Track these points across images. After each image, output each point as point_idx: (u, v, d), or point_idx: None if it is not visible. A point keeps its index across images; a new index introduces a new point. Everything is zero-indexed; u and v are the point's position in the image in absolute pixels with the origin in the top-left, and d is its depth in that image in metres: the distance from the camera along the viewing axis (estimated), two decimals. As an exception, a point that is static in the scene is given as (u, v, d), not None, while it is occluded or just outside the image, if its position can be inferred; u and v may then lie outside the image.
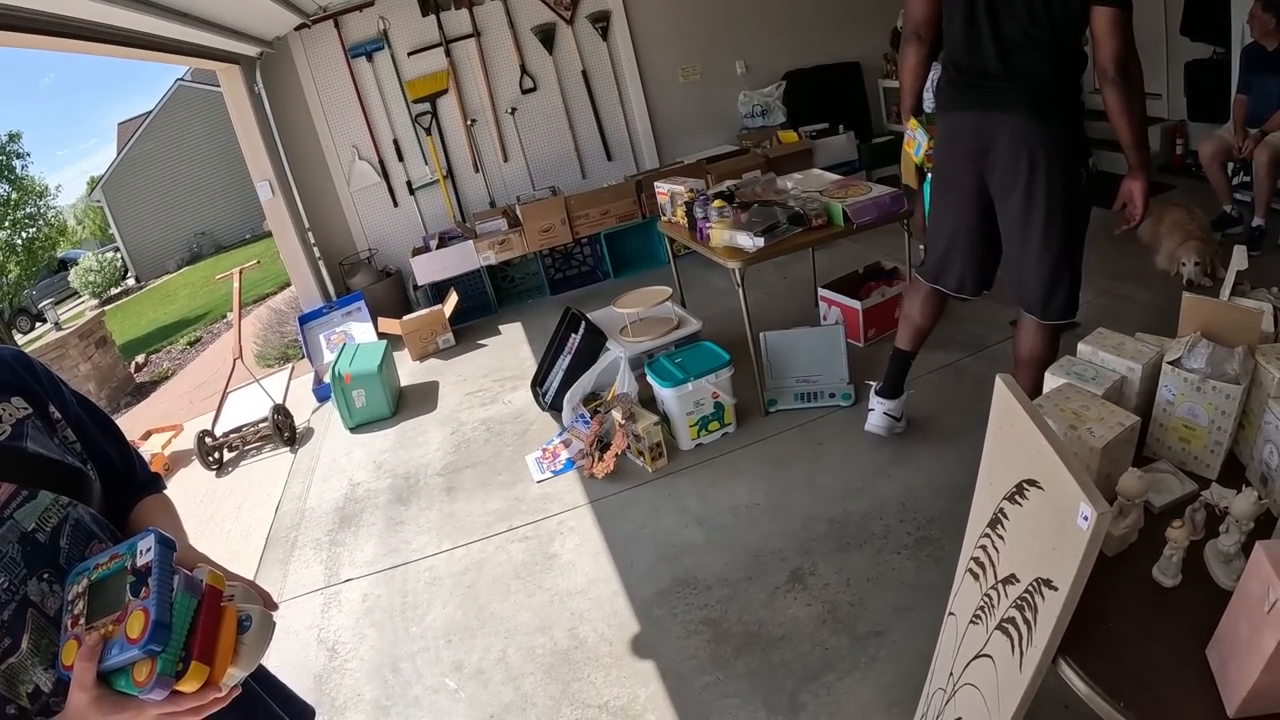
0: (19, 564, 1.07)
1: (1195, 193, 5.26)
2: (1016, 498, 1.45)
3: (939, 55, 2.98)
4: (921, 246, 3.26)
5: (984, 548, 1.58)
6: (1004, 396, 1.54)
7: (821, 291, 4.72)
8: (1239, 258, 2.05)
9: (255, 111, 6.38)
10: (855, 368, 4.00)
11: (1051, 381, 1.84)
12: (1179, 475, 1.73)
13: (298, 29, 6.52)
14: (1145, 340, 1.89)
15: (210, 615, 1.05)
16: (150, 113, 24.04)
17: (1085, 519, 1.15)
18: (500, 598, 3.19)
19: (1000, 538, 1.52)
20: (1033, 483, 1.38)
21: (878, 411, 3.44)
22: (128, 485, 1.35)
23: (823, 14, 7.60)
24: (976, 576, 1.62)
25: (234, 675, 1.05)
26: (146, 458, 5.23)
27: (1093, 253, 2.98)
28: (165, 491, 1.43)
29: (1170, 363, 1.74)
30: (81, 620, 1.02)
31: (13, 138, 18.05)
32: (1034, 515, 1.37)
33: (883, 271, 4.82)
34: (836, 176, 4.58)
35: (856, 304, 4.44)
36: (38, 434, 1.17)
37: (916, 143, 3.21)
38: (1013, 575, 1.45)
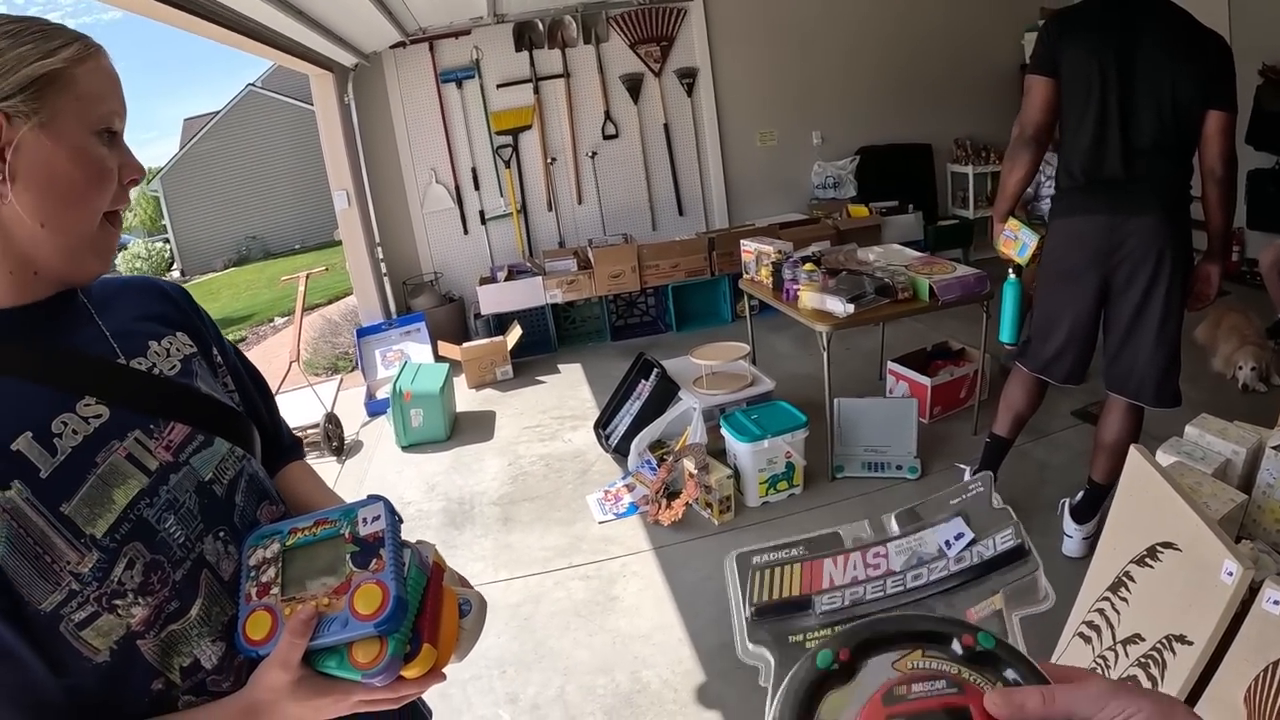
0: (196, 517, 0.97)
1: (1252, 299, 5.29)
2: (1147, 560, 1.50)
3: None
4: (1024, 339, 3.26)
5: (1101, 611, 1.62)
6: (1140, 465, 1.60)
7: (891, 365, 4.73)
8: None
9: (342, 121, 6.49)
10: (921, 443, 4.01)
11: (1164, 459, 1.91)
12: (1273, 554, 1.76)
13: (394, 46, 6.67)
14: (1244, 427, 1.98)
15: (436, 596, 0.99)
16: (218, 113, 24.51)
17: (1230, 574, 1.23)
18: (559, 634, 3.16)
19: (1123, 600, 1.56)
20: (1169, 545, 1.43)
21: (1076, 539, 3.29)
22: (274, 447, 1.25)
23: (899, 95, 7.69)
24: (1089, 640, 1.65)
25: (451, 662, 1.00)
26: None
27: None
28: (306, 460, 1.34)
29: (1274, 448, 1.80)
30: (274, 590, 0.93)
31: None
32: (1167, 576, 1.41)
33: (950, 351, 4.83)
34: (917, 253, 4.61)
35: (926, 381, 4.44)
36: (205, 374, 1.09)
37: (1021, 243, 3.16)
38: (1136, 635, 1.47)
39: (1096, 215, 2.81)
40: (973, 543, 0.89)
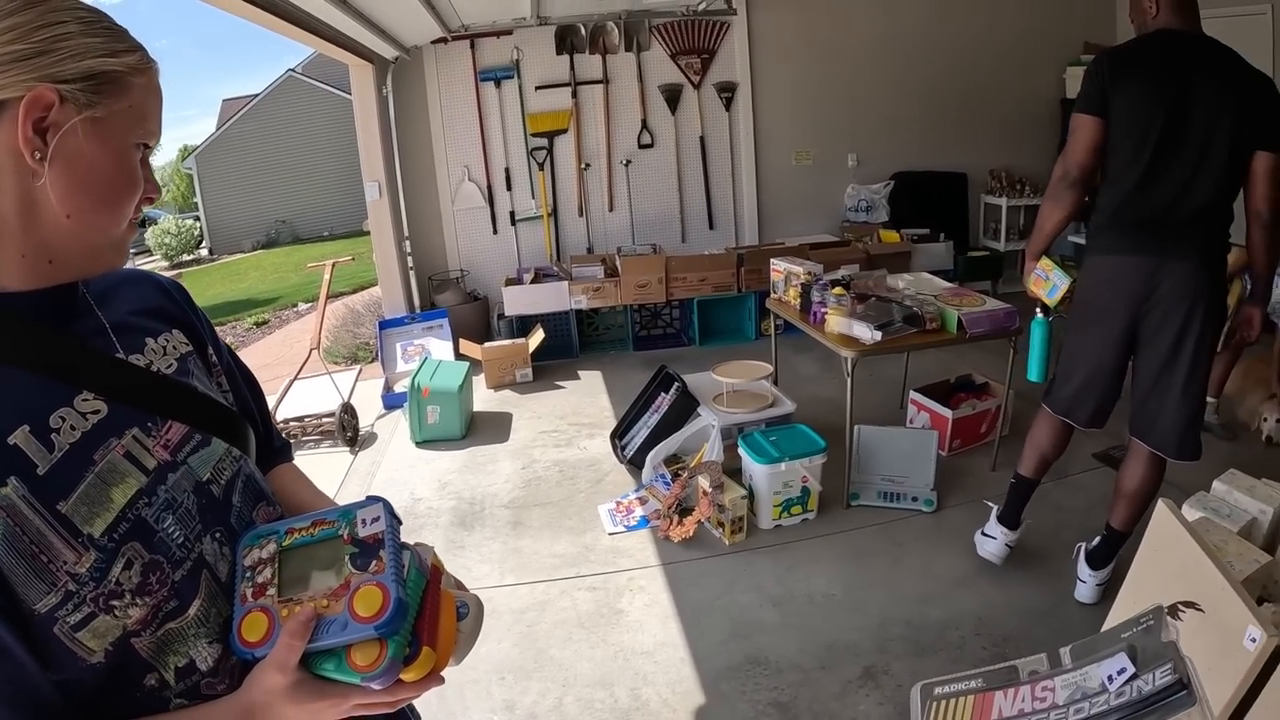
0: (194, 518, 0.95)
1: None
2: (1168, 618, 1.44)
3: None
4: (1049, 379, 3.21)
5: None
6: (1167, 520, 1.58)
7: (913, 394, 4.68)
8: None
9: (379, 113, 6.51)
10: (939, 475, 3.98)
11: (1190, 514, 1.89)
12: None
13: (435, 42, 6.70)
14: (1272, 485, 1.96)
15: (434, 598, 0.97)
16: (257, 96, 24.77)
17: (1253, 640, 1.20)
18: (561, 644, 3.13)
19: None
20: (1191, 605, 1.40)
21: (999, 541, 3.33)
22: (265, 449, 1.23)
23: (938, 123, 7.67)
24: None
25: (449, 665, 0.98)
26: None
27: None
28: (296, 462, 1.33)
29: None
30: (270, 591, 0.92)
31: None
32: (1188, 636, 1.39)
33: (974, 384, 4.77)
34: (947, 284, 4.57)
35: (948, 413, 4.39)
36: (200, 374, 1.07)
37: (1051, 284, 3.11)
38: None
39: (1135, 256, 2.76)
40: (1134, 678, 0.88)
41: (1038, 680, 0.88)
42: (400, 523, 0.99)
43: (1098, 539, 3.12)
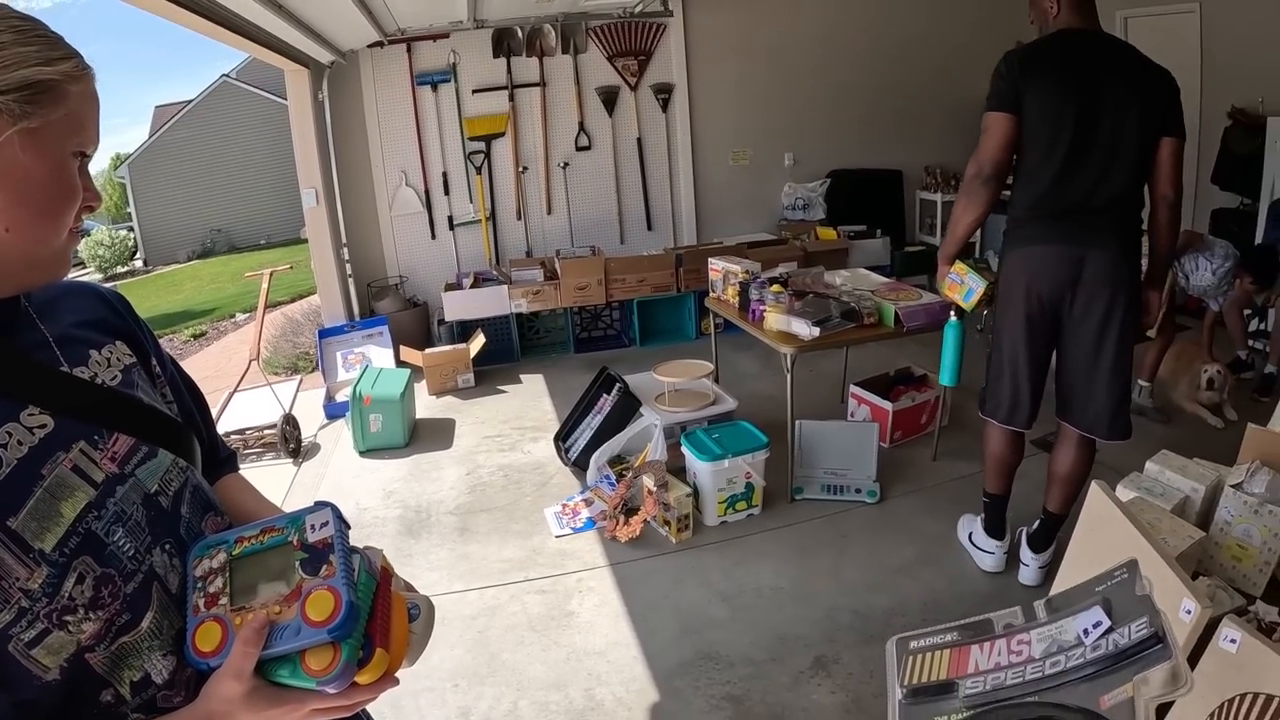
0: (144, 529, 0.94)
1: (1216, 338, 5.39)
2: None
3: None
4: (981, 389, 3.25)
5: None
6: (1101, 501, 1.62)
7: (853, 388, 4.75)
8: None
9: (315, 118, 6.42)
10: (881, 467, 4.06)
11: (1124, 494, 1.94)
12: (1229, 590, 1.80)
13: (371, 45, 6.63)
14: (1203, 464, 2.02)
15: (385, 601, 0.98)
16: (190, 102, 24.15)
17: (1188, 612, 1.26)
18: (513, 648, 3.13)
19: None
20: None
21: (996, 555, 3.33)
22: (210, 460, 1.22)
23: (872, 121, 7.82)
24: None
25: (403, 667, 0.99)
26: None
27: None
28: (241, 472, 1.31)
29: (1232, 486, 1.83)
30: (222, 600, 0.91)
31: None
32: None
33: (912, 377, 4.86)
34: (884, 279, 4.65)
35: (888, 405, 4.47)
36: (145, 385, 1.06)
37: (967, 287, 3.13)
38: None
39: (1060, 245, 2.83)
40: (1109, 631, 0.90)
41: (1013, 633, 0.91)
42: (349, 527, 0.99)
43: (1037, 523, 3.21)
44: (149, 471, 0.98)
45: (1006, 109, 2.83)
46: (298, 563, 0.93)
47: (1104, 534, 1.57)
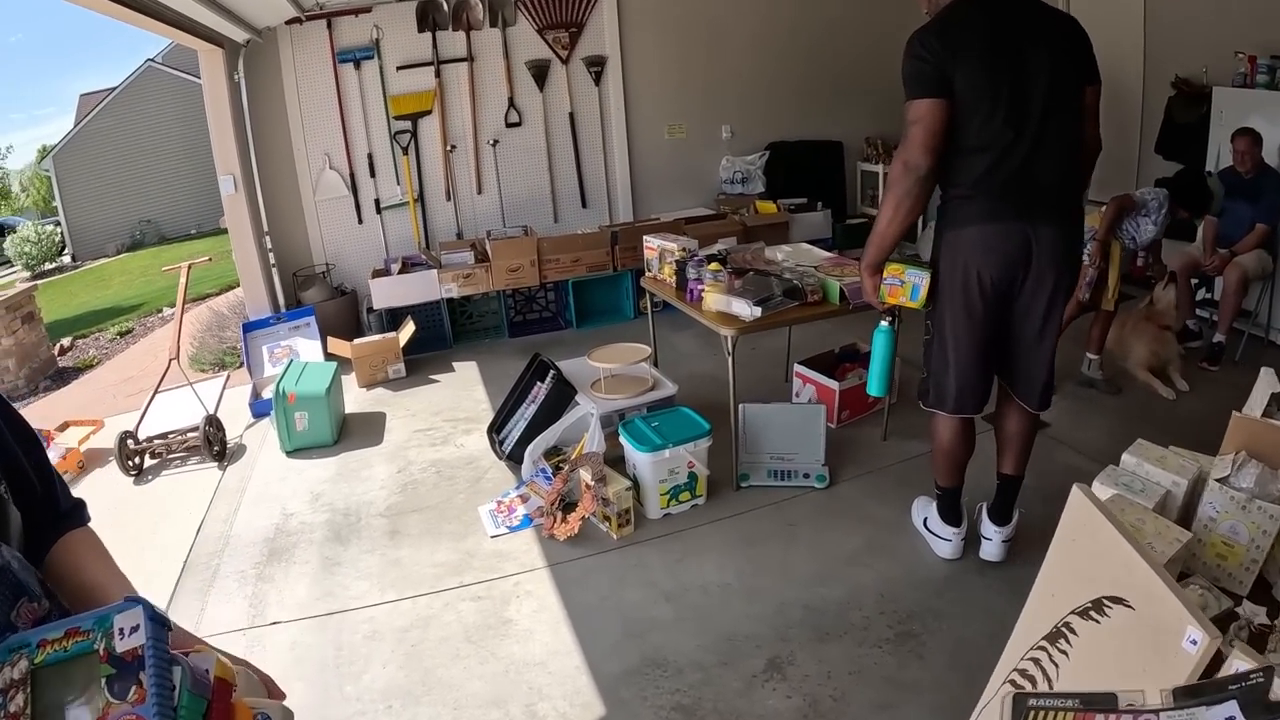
0: None
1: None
2: (1092, 614, 1.38)
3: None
4: (923, 378, 3.06)
5: (1036, 661, 1.50)
6: (1083, 507, 1.50)
7: (798, 367, 4.60)
8: (1270, 379, 2.08)
9: (231, 101, 6.09)
10: (829, 450, 3.92)
11: (1102, 492, 1.85)
12: (1214, 591, 1.72)
13: (289, 22, 6.28)
14: (1182, 454, 1.94)
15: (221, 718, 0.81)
16: (115, 89, 23.27)
17: (1194, 643, 1.13)
18: (449, 662, 2.94)
19: (1062, 653, 1.44)
20: (1118, 600, 1.32)
21: (953, 543, 3.20)
22: (46, 515, 1.05)
23: (811, 92, 7.69)
24: (1021, 689, 1.53)
25: None
26: (61, 452, 4.92)
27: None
28: (90, 524, 1.13)
29: (1218, 480, 1.75)
30: None
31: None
32: (1118, 634, 1.31)
33: (859, 353, 4.72)
34: (827, 254, 4.49)
35: (834, 384, 4.34)
36: None
37: (911, 285, 2.86)
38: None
39: (1012, 221, 2.67)
40: None
41: (1139, 713, 0.86)
42: (168, 628, 0.81)
43: (995, 491, 3.11)
44: None
45: (936, 94, 2.61)
46: (104, 680, 0.75)
47: (1087, 544, 1.44)
